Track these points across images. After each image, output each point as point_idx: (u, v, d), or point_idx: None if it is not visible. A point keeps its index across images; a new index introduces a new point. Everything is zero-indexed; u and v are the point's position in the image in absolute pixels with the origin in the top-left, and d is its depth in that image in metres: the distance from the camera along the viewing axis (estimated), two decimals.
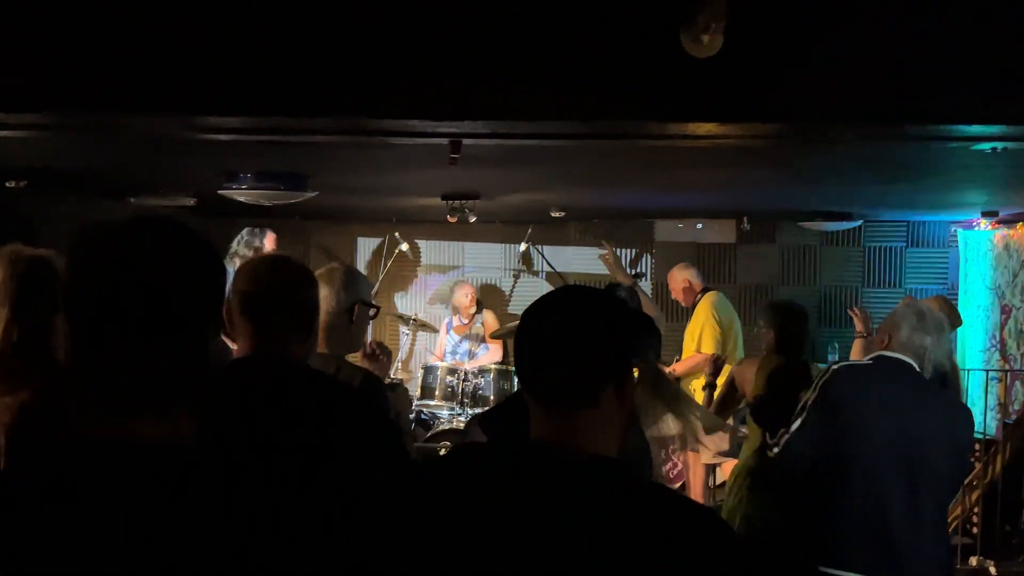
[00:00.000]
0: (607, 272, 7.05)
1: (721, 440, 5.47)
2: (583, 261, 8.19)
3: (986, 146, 3.35)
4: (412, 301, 8.68)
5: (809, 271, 8.36)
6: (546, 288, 8.26)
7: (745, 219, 7.98)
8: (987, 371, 7.07)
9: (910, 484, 3.09)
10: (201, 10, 2.86)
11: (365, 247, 8.60)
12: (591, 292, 1.57)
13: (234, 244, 6.51)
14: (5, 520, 1.21)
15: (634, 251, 8.45)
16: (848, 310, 6.22)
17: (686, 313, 6.85)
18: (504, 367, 7.20)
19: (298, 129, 3.24)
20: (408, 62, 2.88)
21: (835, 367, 3.25)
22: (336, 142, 3.61)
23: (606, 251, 6.68)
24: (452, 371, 7.08)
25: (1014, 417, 6.41)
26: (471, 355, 7.67)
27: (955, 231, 8.00)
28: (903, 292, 8.01)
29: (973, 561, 5.60)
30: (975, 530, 5.74)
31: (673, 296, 6.86)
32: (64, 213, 6.15)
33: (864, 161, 4.55)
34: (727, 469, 4.51)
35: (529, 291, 8.48)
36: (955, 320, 5.52)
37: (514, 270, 8.62)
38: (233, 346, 2.34)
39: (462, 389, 6.99)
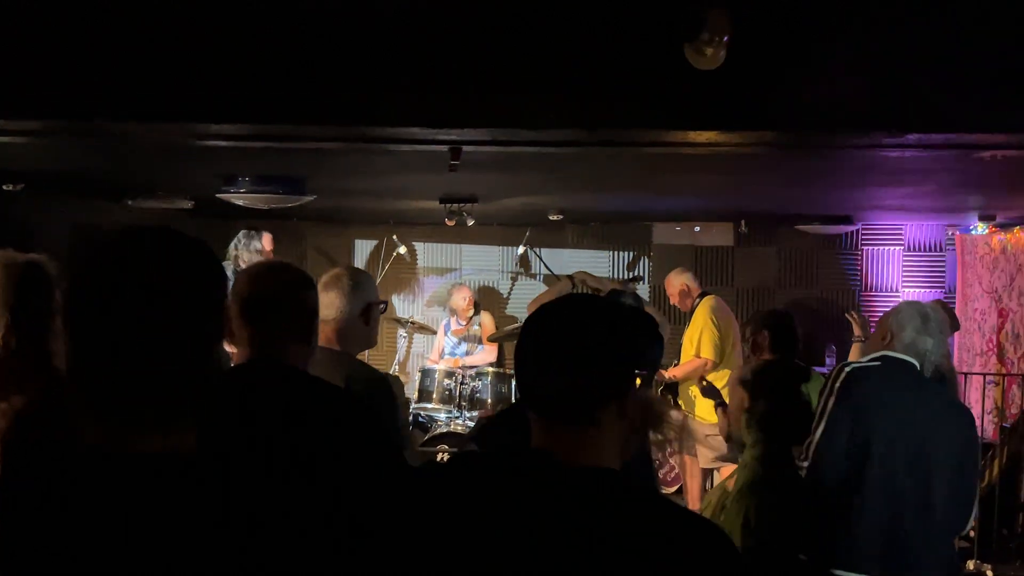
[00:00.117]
0: (606, 273, 7.06)
1: (719, 445, 5.47)
2: (580, 264, 8.19)
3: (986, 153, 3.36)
4: (409, 304, 8.68)
5: (807, 274, 8.37)
6: (543, 290, 8.30)
7: (743, 222, 7.99)
8: (984, 375, 7.08)
9: (922, 483, 3.11)
10: (201, 18, 2.85)
11: (363, 249, 8.60)
12: (593, 305, 1.53)
13: (231, 247, 6.51)
14: (2, 527, 1.21)
15: (632, 254, 8.45)
16: (846, 314, 6.23)
17: (684, 317, 6.85)
18: (501, 370, 7.20)
19: (298, 136, 3.24)
20: (408, 69, 2.89)
21: (848, 368, 3.23)
22: (336, 148, 3.61)
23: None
24: (450, 374, 7.08)
25: (1011, 421, 6.41)
26: (469, 355, 7.68)
27: (952, 235, 8.00)
28: (900, 295, 8.02)
29: (971, 565, 5.61)
30: (972, 533, 5.74)
31: (671, 301, 6.86)
32: (61, 215, 6.14)
33: (862, 166, 4.56)
34: (725, 473, 4.49)
35: (527, 293, 8.48)
36: (952, 324, 5.54)
37: (512, 272, 8.62)
38: (232, 350, 2.34)
39: (460, 392, 6.99)
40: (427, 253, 8.63)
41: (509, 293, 8.65)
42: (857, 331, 5.39)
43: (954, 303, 7.60)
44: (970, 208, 6.74)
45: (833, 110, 2.96)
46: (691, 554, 1.33)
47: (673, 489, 7.00)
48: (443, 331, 7.91)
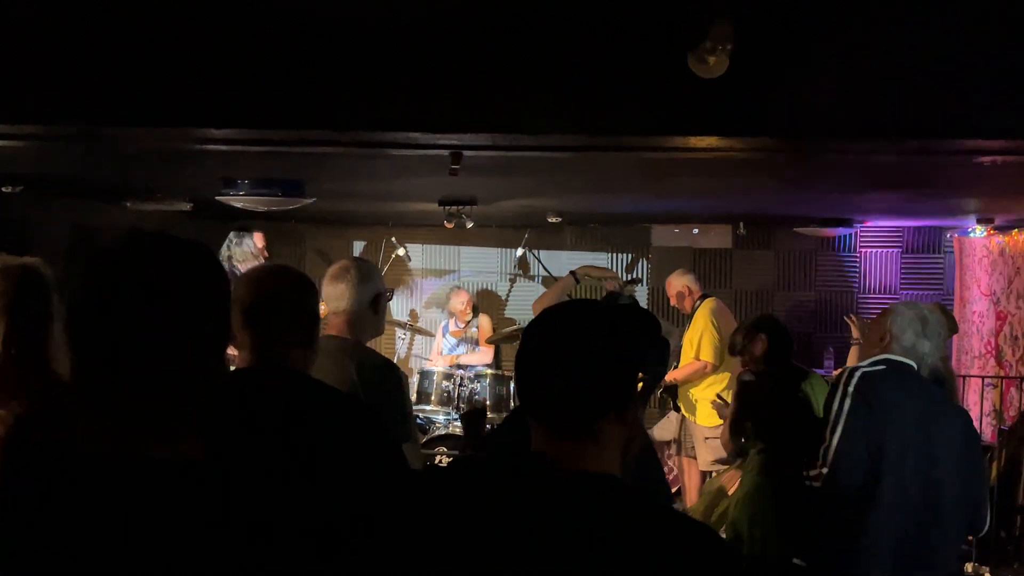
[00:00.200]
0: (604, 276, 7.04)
1: (718, 447, 5.47)
2: (579, 265, 8.18)
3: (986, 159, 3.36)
4: (408, 305, 8.68)
5: (805, 277, 8.37)
6: (542, 292, 8.30)
7: (741, 224, 7.99)
8: (983, 377, 7.09)
9: (933, 486, 3.12)
10: (202, 22, 2.85)
11: (361, 251, 8.60)
12: (593, 314, 1.49)
13: (224, 248, 6.52)
14: (3, 532, 1.21)
15: (630, 256, 8.45)
16: (845, 317, 6.24)
17: (684, 320, 6.85)
18: (500, 372, 7.20)
19: (299, 141, 3.24)
20: (410, 74, 2.89)
21: (859, 372, 3.21)
22: (336, 151, 3.61)
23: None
24: (448, 376, 7.08)
25: (1009, 424, 6.42)
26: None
27: (951, 237, 8.01)
28: (899, 298, 8.02)
29: (968, 567, 5.61)
30: (970, 536, 5.75)
31: (672, 303, 6.86)
32: (61, 217, 6.13)
33: (861, 170, 4.56)
34: (726, 478, 4.48)
35: (525, 295, 8.48)
36: (951, 327, 5.54)
37: (510, 274, 8.62)
38: (233, 354, 2.34)
39: (458, 394, 6.99)
40: (426, 254, 8.63)
41: (507, 295, 8.65)
42: (856, 334, 5.39)
43: (952, 306, 7.60)
44: (968, 211, 6.74)
45: (834, 115, 2.96)
46: (689, 560, 1.33)
47: (672, 491, 7.00)
48: (441, 332, 7.93)
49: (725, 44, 2.42)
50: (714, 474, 6.22)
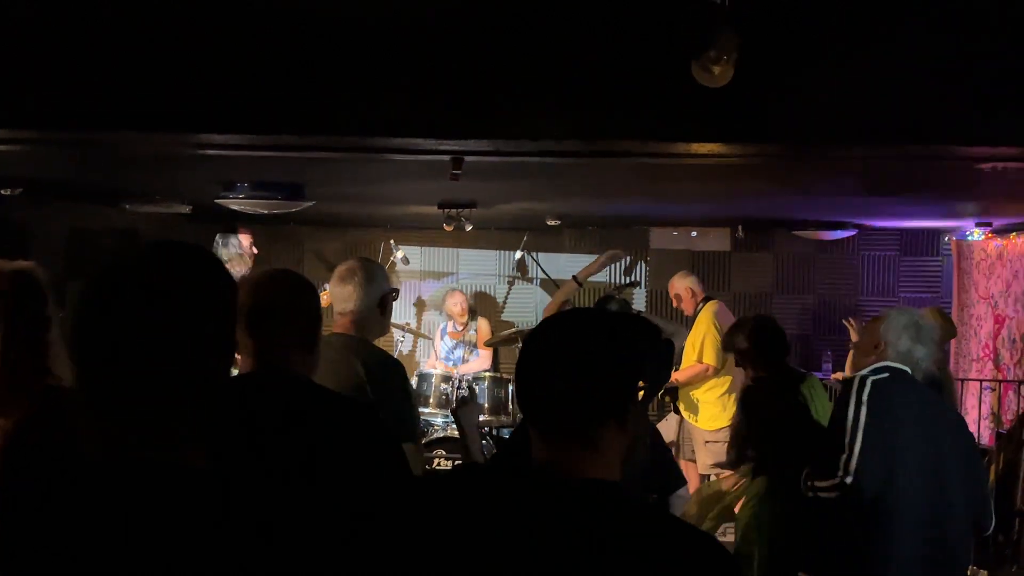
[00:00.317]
0: (604, 278, 7.05)
1: (718, 451, 5.47)
2: (578, 268, 8.17)
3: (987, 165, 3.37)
4: (407, 308, 8.68)
5: (803, 280, 8.38)
6: (540, 295, 8.31)
7: (740, 227, 7.99)
8: (981, 381, 7.09)
9: (943, 491, 3.13)
10: (201, 28, 2.85)
11: (360, 253, 8.59)
12: (592, 322, 1.50)
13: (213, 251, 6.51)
14: (3, 536, 1.21)
15: (629, 259, 8.45)
16: (843, 320, 6.23)
17: (686, 321, 6.85)
18: (498, 375, 7.20)
19: (300, 146, 3.24)
20: (411, 80, 2.89)
21: (870, 380, 3.19)
22: (337, 156, 3.61)
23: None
24: (446, 378, 7.08)
25: (1007, 427, 6.43)
26: (464, 361, 7.68)
27: (949, 241, 8.02)
28: (897, 301, 8.03)
29: (967, 570, 5.61)
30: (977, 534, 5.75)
31: (674, 304, 6.86)
32: (59, 220, 6.13)
33: (860, 175, 4.57)
34: (726, 483, 4.47)
35: (524, 298, 8.48)
36: (949, 330, 5.54)
37: (509, 277, 8.62)
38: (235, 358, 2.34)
39: (456, 397, 6.98)
40: (424, 257, 8.63)
41: (506, 298, 8.65)
42: (855, 337, 5.38)
43: (950, 309, 7.61)
44: (967, 214, 6.76)
45: (835, 121, 2.97)
46: (688, 567, 1.33)
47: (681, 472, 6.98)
48: (439, 335, 7.93)
49: (731, 54, 2.42)
50: (712, 478, 6.22)
